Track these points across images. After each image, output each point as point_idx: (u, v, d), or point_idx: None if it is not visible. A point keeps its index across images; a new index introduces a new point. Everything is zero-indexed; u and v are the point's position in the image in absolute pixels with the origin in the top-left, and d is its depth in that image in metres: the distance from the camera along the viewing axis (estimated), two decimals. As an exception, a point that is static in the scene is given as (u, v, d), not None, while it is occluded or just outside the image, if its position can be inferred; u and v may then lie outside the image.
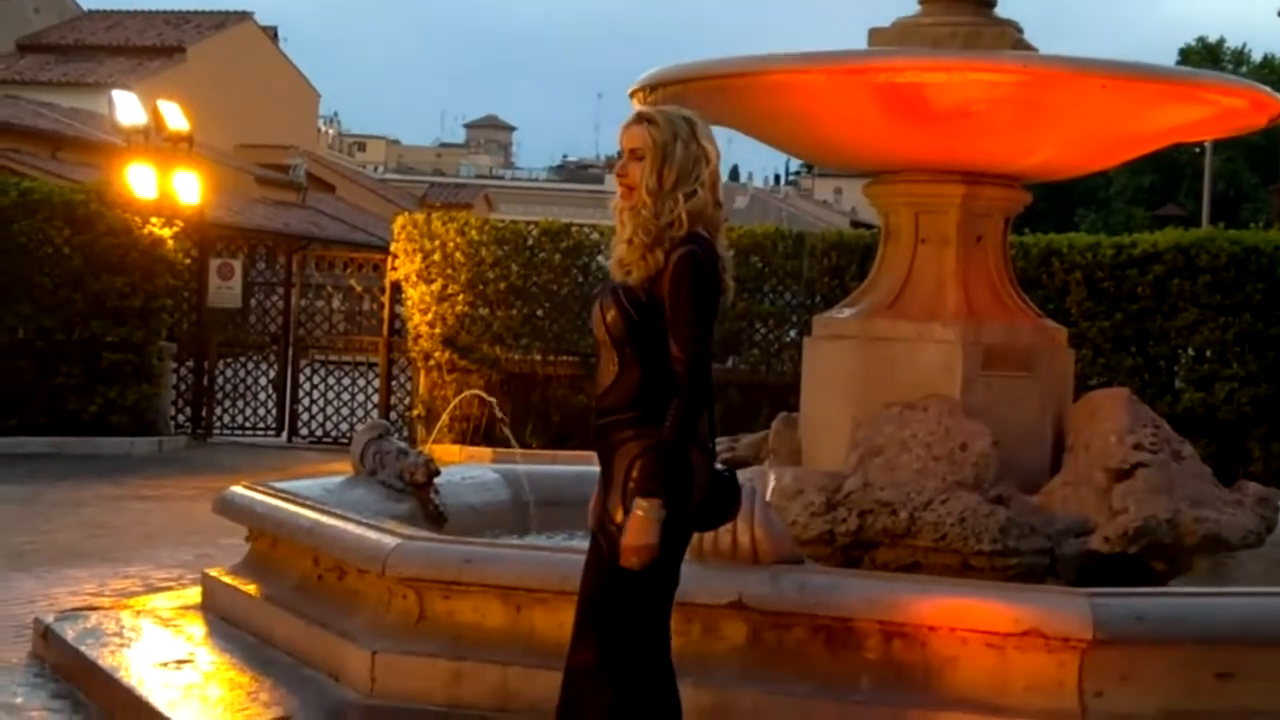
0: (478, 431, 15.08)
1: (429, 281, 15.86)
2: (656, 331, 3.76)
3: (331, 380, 17.73)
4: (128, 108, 18.54)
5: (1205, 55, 53.60)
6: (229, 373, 17.80)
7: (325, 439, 17.31)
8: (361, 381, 17.69)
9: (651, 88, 6.21)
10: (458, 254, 15.83)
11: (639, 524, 3.70)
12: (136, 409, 15.74)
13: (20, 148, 26.58)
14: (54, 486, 12.53)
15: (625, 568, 3.74)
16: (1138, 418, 6.15)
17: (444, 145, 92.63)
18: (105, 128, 24.87)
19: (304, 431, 17.53)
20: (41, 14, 40.00)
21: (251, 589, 6.47)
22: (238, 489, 7.05)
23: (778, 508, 5.70)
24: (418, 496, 6.99)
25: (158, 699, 5.36)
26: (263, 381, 18.11)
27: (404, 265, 16.09)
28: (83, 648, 6.08)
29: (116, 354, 15.63)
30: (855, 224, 42.55)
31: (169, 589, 7.83)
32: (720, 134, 4.18)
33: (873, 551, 5.93)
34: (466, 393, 14.53)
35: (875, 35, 6.54)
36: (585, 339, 15.05)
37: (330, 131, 72.16)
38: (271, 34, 44.08)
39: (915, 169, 6.43)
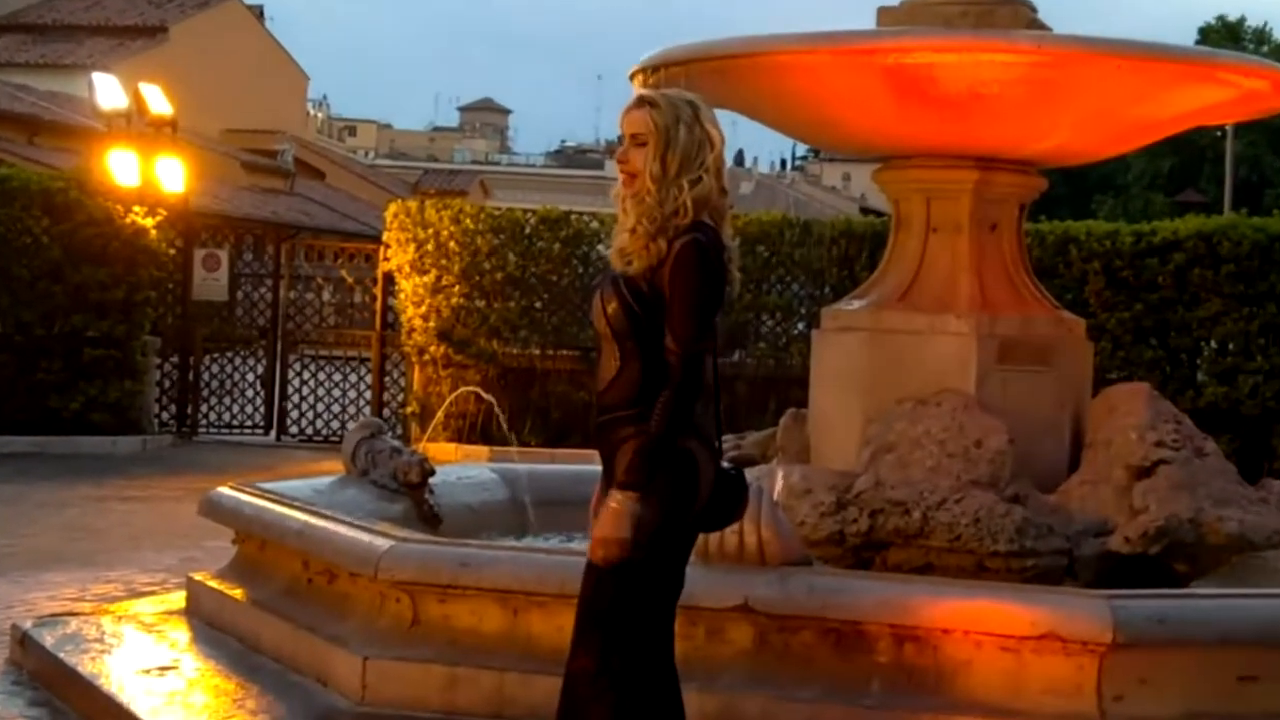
0: (474, 429, 15.07)
1: (423, 272, 15.85)
2: (659, 324, 3.77)
3: (322, 376, 17.72)
4: (108, 90, 18.51)
5: (1225, 34, 53.54)
6: (215, 368, 17.78)
7: (315, 437, 17.30)
8: (353, 377, 17.67)
9: (653, 69, 6.20)
10: (452, 243, 15.81)
11: (611, 516, 3.73)
12: (119, 406, 15.73)
13: (-4, 133, 26.59)
14: (34, 487, 12.52)
15: (593, 562, 3.76)
16: (1159, 413, 6.15)
17: (438, 129, 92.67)
18: (85, 111, 24.83)
19: (293, 430, 17.53)
20: (17, -8, 40.01)
21: (238, 593, 6.47)
22: (224, 490, 7.05)
23: (786, 507, 5.72)
24: (412, 497, 7.00)
25: (139, 706, 5.36)
26: (250, 377, 18.09)
27: (397, 255, 16.08)
28: (62, 654, 6.08)
29: (98, 349, 15.61)
30: (865, 210, 42.53)
31: (152, 594, 7.83)
32: (724, 117, 4.18)
33: (884, 553, 5.94)
34: (462, 389, 14.54)
35: (884, 15, 6.53)
36: (585, 332, 15.05)
37: (319, 115, 72.14)
38: (257, 13, 44.08)
39: (926, 154, 6.43)
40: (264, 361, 18.04)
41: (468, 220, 16.00)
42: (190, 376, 17.31)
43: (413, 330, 15.94)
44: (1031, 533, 5.78)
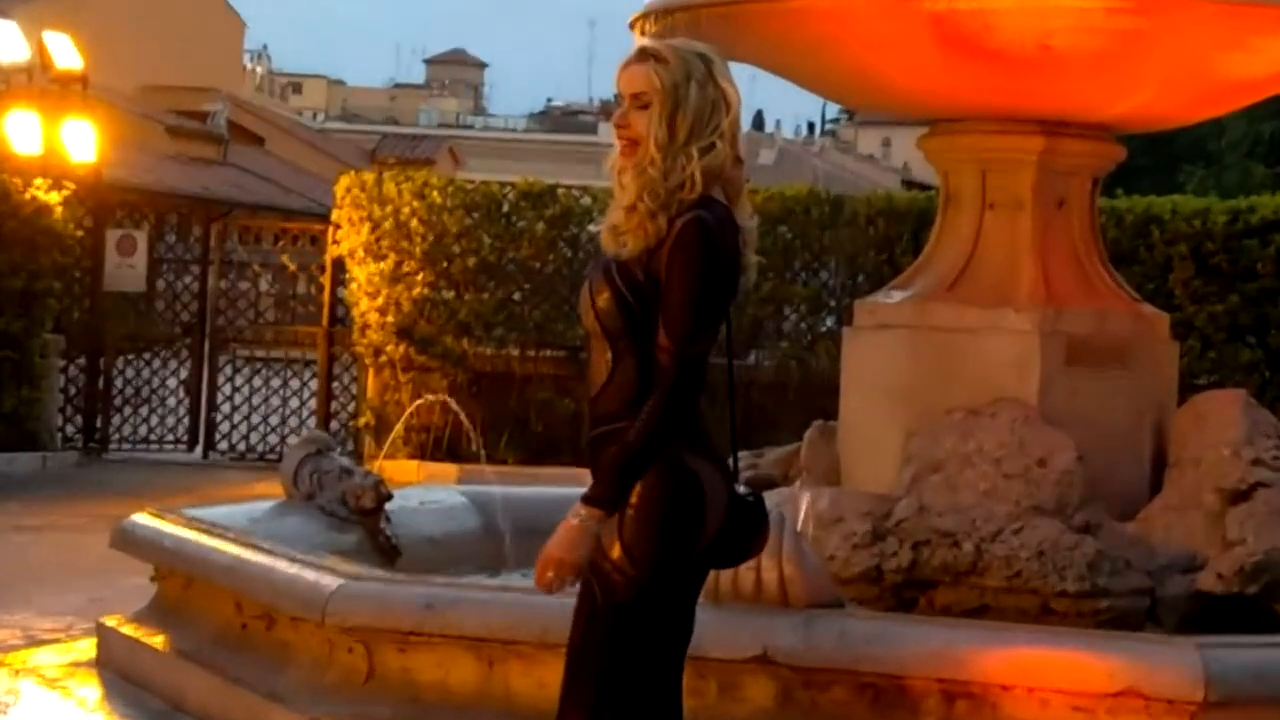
0: (440, 444, 15.06)
1: (380, 258, 15.83)
2: (657, 318, 3.77)
3: (258, 381, 17.67)
4: (6, 40, 18.51)
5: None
6: (130, 372, 17.74)
7: (250, 454, 17.27)
8: (295, 383, 17.64)
9: (657, 16, 6.21)
10: (415, 222, 15.79)
11: (566, 533, 3.73)
12: (15, 417, 15.69)
13: None
14: (-87, 513, 12.51)
15: (539, 586, 3.76)
16: (1257, 426, 6.17)
17: (399, 87, 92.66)
18: (-24, 67, 24.83)
19: (223, 445, 17.50)
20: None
21: (158, 641, 6.48)
22: (141, 517, 7.05)
23: (812, 538, 5.75)
24: (365, 526, 7.03)
25: (42, 779, 5.37)
26: (172, 383, 18.06)
27: (349, 237, 16.05)
28: (-52, 716, 6.09)
29: (-10, 349, 15.60)
30: (908, 184, 42.50)
31: (56, 642, 7.81)
32: (740, 72, 4.18)
33: (930, 592, 5.97)
34: (426, 397, 14.50)
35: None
36: (575, 329, 15.03)
37: (259, 70, 72.27)
38: (183, -51, 44.13)
39: (982, 117, 6.47)
40: (189, 364, 18.00)
41: (434, 195, 15.97)
42: (100, 382, 17.26)
43: (367, 327, 15.92)
44: (1105, 569, 5.79)
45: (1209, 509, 6.02)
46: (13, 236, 15.81)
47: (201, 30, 40.97)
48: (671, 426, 3.74)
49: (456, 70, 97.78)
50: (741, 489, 3.97)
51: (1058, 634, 5.28)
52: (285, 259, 17.96)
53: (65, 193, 16.36)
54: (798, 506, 6.02)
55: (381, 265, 15.81)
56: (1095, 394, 6.28)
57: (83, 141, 17.49)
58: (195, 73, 39.48)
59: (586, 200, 16.07)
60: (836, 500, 6.12)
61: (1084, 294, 6.49)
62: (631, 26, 6.34)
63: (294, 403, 17.49)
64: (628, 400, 3.80)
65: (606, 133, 4.31)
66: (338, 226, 16.30)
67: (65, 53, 18.30)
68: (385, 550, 6.96)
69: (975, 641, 5.01)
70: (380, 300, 15.81)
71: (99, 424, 17.23)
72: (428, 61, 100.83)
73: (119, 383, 17.59)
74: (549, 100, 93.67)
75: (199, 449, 17.47)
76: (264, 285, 18.34)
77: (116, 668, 6.65)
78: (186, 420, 17.74)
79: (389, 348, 15.80)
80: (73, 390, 17.16)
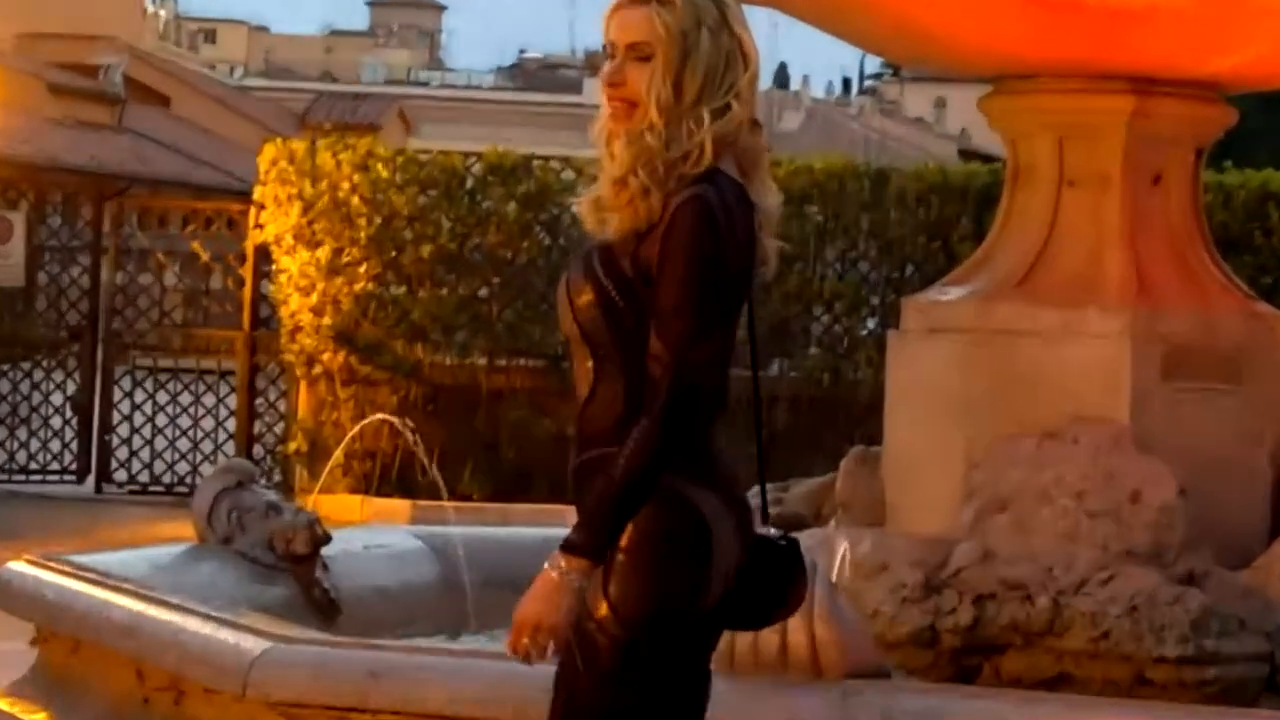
0: (388, 475, 15.04)
1: (313, 245, 15.80)
2: (648, 319, 3.76)
3: (163, 397, 17.64)
4: None
5: None
6: (4, 386, 17.74)
7: (153, 487, 17.24)
8: (210, 399, 17.62)
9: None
10: (357, 201, 15.75)
11: (544, 589, 3.71)
12: None
13: None
14: None
15: (513, 654, 3.75)
16: (1402, 452, 6.17)
17: (336, 34, 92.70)
18: None
19: (121, 475, 17.47)
20: None
21: (40, 718, 6.42)
22: (18, 566, 7.04)
23: (851, 591, 5.73)
24: (297, 576, 7.02)
25: None
26: (58, 399, 18.06)
27: (275, 220, 16.02)
28: None
29: None
30: (966, 154, 42.45)
31: (-88, 718, 7.82)
32: (758, 18, 4.17)
33: (996, 658, 5.95)
34: (372, 416, 14.49)
35: None
36: (554, 333, 15.02)
37: (163, 14, 72.19)
38: None
39: (1058, 72, 6.52)
40: (77, 376, 17.99)
41: (380, 168, 15.93)
42: (-32, 399, 17.29)
43: (298, 330, 15.89)
44: (1214, 628, 5.77)
45: (1342, 555, 6.04)
46: None
47: (93, -35, 41.01)
48: (669, 453, 3.73)
49: (407, 14, 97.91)
50: (772, 532, 3.97)
51: (1155, 710, 5.28)
52: (196, 246, 17.93)
53: (-77, 165, 16.40)
54: (833, 552, 6.03)
55: (316, 254, 15.78)
56: (1200, 413, 6.30)
57: (-56, 101, 17.51)
58: (85, 18, 39.47)
59: (568, 174, 16.04)
60: (880, 544, 6.12)
61: (1185, 290, 6.51)
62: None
63: (208, 423, 17.46)
64: (618, 418, 3.79)
65: (593, 92, 4.28)
66: (261, 207, 16.25)
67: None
68: (321, 606, 6.97)
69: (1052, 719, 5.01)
70: (314, 297, 15.77)
71: (-35, 450, 17.24)
72: (371, 4, 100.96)
73: (-10, 400, 17.61)
74: (522, 51, 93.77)
75: (90, 480, 17.43)
76: (170, 279, 18.29)
77: (-13, 752, 6.64)
78: (75, 445, 17.70)
79: (325, 356, 15.76)
80: (-67, 409, 17.18)
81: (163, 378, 17.85)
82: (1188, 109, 6.59)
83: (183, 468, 17.21)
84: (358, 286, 15.72)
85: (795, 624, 5.03)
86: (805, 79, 78.97)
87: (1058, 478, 6.05)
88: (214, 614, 6.00)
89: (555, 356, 15.15)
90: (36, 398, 17.94)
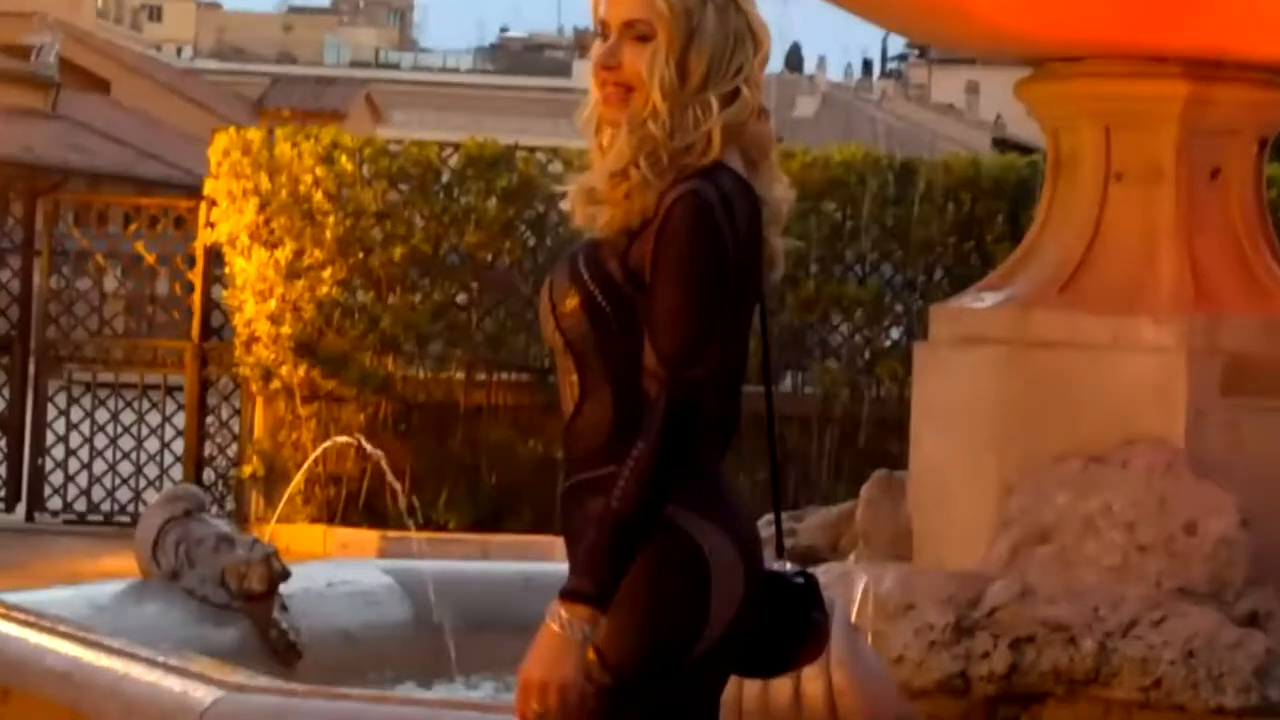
0: (355, 502, 15.07)
1: (271, 245, 15.84)
2: (638, 330, 3.77)
3: (103, 415, 17.68)
4: None
5: None
6: (-76, 403, 17.77)
7: (92, 516, 17.30)
8: (155, 417, 17.64)
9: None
10: (320, 197, 15.82)
11: (546, 644, 3.71)
12: None
13: None
14: None
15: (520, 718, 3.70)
16: None
17: (296, 12, 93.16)
18: None
19: (55, 503, 17.52)
20: None
21: (-34, 776, 6.42)
22: (-58, 605, 6.91)
23: (873, 634, 5.69)
24: (253, 616, 7.13)
25: None
26: (-17, 418, 18.08)
27: (228, 218, 16.07)
28: None
29: None
30: (1002, 144, 42.67)
31: None
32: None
33: (1036, 708, 6.05)
34: (336, 438, 14.51)
35: None
36: (541, 344, 15.03)
37: (104, -10, 72.49)
38: None
39: (1106, 54, 6.44)
40: (6, 392, 17.99)
41: (345, 160, 16.00)
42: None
43: (254, 340, 15.92)
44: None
45: None
46: None
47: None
48: (670, 479, 3.72)
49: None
50: (787, 567, 3.92)
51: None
52: (140, 247, 17.97)
53: None
54: (852, 589, 6.00)
55: (274, 256, 15.81)
56: (1263, 433, 6.29)
57: None
58: (14, -6, 39.68)
59: (555, 167, 16.07)
60: (906, 581, 6.14)
61: (1248, 296, 6.51)
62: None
63: (153, 445, 17.47)
64: (608, 436, 3.81)
65: (583, 75, 4.29)
66: (213, 203, 16.31)
67: None
68: (280, 649, 7.09)
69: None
70: (272, 304, 15.79)
71: (-119, 476, 17.24)
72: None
73: (-89, 419, 17.60)
74: (503, 30, 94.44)
75: (20, 508, 17.47)
76: (111, 284, 18.34)
77: (-94, 814, 6.62)
78: (4, 469, 17.70)
79: (284, 369, 15.79)
80: None
81: (102, 394, 17.88)
82: (1249, 95, 6.61)
83: (124, 494, 17.21)
84: (321, 292, 15.75)
85: (810, 670, 4.99)
86: (821, 60, 79.88)
87: (1105, 506, 6.08)
88: (160, 659, 6.06)
89: (541, 370, 15.21)
90: (-41, 416, 17.97)
